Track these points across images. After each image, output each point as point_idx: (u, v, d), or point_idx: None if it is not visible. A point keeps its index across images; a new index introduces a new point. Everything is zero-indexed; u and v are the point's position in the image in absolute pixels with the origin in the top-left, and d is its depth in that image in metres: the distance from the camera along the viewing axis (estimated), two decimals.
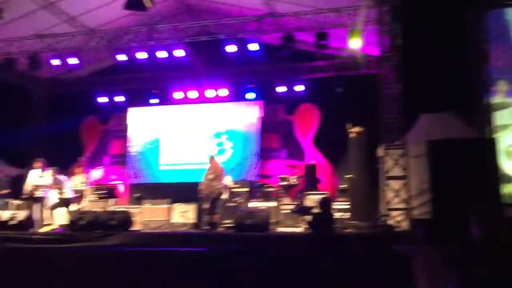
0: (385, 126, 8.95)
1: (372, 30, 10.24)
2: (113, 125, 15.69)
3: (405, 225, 8.21)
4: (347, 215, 10.26)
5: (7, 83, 13.18)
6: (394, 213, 8.52)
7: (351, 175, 10.32)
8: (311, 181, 12.49)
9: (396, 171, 8.56)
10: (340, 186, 11.55)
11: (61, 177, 11.08)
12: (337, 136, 12.39)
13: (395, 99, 9.00)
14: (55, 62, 12.70)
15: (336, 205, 10.92)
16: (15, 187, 11.89)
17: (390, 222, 8.39)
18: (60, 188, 10.81)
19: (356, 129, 9.91)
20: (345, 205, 10.60)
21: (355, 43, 10.53)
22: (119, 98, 15.00)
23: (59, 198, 10.77)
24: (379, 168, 9.73)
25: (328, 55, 12.58)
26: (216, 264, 6.95)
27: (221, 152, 14.13)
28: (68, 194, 11.03)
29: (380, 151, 9.89)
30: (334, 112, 13.04)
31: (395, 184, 8.55)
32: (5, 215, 9.96)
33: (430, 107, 8.94)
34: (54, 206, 10.70)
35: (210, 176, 10.23)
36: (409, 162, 8.45)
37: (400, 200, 8.43)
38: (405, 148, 8.52)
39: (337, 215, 10.64)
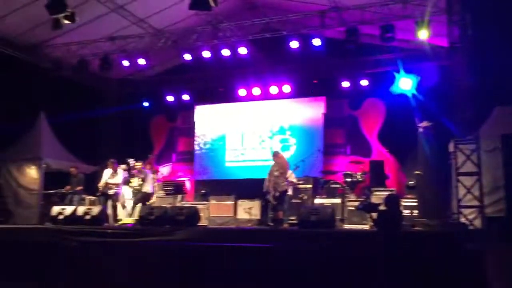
0: (456, 120, 8.60)
1: (440, 21, 9.85)
2: (180, 123, 16.11)
3: (478, 223, 7.85)
4: (416, 212, 9.95)
5: (81, 84, 13.82)
6: (466, 210, 8.18)
7: (419, 171, 9.97)
8: (377, 178, 12.20)
9: (468, 167, 8.20)
10: (408, 182, 11.19)
11: (147, 171, 11.53)
12: (404, 131, 12.06)
13: (467, 92, 8.63)
14: (125, 63, 13.21)
15: (404, 202, 10.65)
16: (90, 184, 12.48)
17: (462, 220, 8.05)
18: (144, 181, 11.21)
19: (425, 123, 9.54)
20: (413, 202, 10.29)
21: (422, 35, 10.17)
22: (186, 97, 15.37)
23: (141, 191, 11.17)
24: (450, 164, 9.37)
25: (394, 48, 12.23)
26: (281, 260, 6.96)
27: (285, 148, 14.13)
28: (149, 188, 11.41)
29: (451, 146, 9.51)
30: (401, 106, 12.66)
31: (467, 181, 8.19)
32: (80, 210, 10.46)
33: (505, 99, 8.49)
34: (138, 200, 11.13)
35: (276, 173, 10.19)
36: (482, 157, 8.07)
37: (472, 197, 8.07)
38: (478, 142, 8.14)
39: (405, 212, 10.38)
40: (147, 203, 11.18)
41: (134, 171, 11.71)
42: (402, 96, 12.59)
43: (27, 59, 12.94)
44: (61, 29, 10.43)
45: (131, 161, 11.93)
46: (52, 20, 10.11)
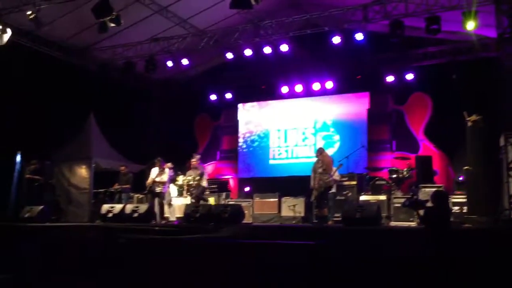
0: (507, 113, 8.28)
1: (488, 11, 9.49)
2: (223, 121, 16.25)
3: None
4: (465, 209, 9.66)
5: (127, 85, 14.17)
6: None
7: (469, 167, 9.66)
8: (425, 174, 11.91)
9: None
10: (457, 178, 10.87)
11: (204, 165, 11.81)
12: (451, 126, 11.70)
13: None
14: (169, 63, 13.45)
15: (453, 198, 10.36)
16: (137, 183, 12.78)
17: None
18: (201, 176, 11.49)
19: (474, 117, 9.22)
20: (463, 198, 10.00)
21: (470, 26, 9.82)
22: (229, 95, 15.50)
23: (200, 186, 11.43)
24: (501, 159, 9.03)
25: (440, 40, 11.89)
26: (325, 258, 6.90)
27: (329, 145, 14.01)
28: (205, 183, 11.69)
29: (502, 140, 9.17)
30: (448, 100, 12.31)
31: None
32: (129, 208, 10.74)
33: None
34: (198, 195, 11.35)
35: (320, 170, 10.11)
36: None
37: None
38: None
39: (454, 209, 10.10)
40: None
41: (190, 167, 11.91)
42: (450, 89, 12.26)
43: (76, 62, 13.36)
44: (107, 32, 10.73)
45: (197, 156, 12.11)
46: (98, 24, 10.40)
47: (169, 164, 12.05)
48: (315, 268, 6.90)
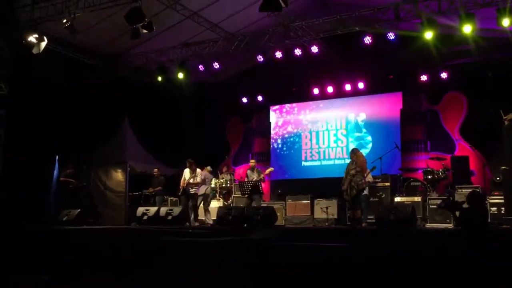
0: None
1: None
2: (255, 123, 16.31)
3: None
4: (503, 210, 9.42)
5: (160, 89, 14.40)
6: None
7: (506, 167, 9.41)
8: (461, 174, 11.69)
9: None
10: (495, 178, 10.61)
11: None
12: (488, 125, 11.44)
13: None
14: (201, 67, 13.60)
15: (491, 199, 10.13)
16: (171, 186, 12.97)
17: None
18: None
19: (511, 115, 9.00)
20: (500, 199, 9.76)
21: (505, 23, 9.57)
22: (260, 98, 15.55)
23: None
24: None
25: (475, 37, 11.62)
26: (358, 260, 6.83)
27: (361, 146, 13.88)
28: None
29: None
30: (483, 99, 12.02)
31: None
32: (163, 211, 10.91)
33: None
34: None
35: (352, 171, 10.00)
36: None
37: None
38: None
39: (492, 210, 9.87)
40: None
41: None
42: (485, 87, 11.98)
43: (110, 68, 13.67)
44: (140, 38, 10.94)
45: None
46: (131, 30, 10.62)
47: (208, 168, 12.18)
48: (347, 270, 6.84)
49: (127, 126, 14.02)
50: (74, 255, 7.55)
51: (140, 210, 11.24)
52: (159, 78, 13.66)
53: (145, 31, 10.54)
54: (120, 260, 7.30)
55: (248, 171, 12.18)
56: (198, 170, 11.75)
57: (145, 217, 10.89)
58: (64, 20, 10.74)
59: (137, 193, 13.27)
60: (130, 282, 6.91)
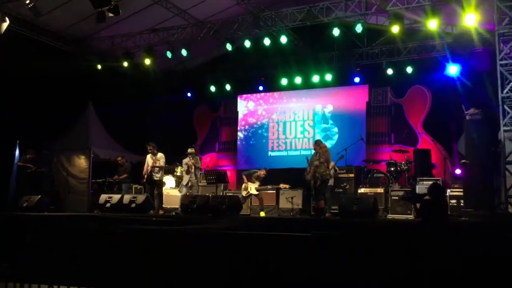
0: (504, 107, 8.27)
1: (489, 4, 9.45)
2: (223, 112, 16.25)
3: None
4: (462, 202, 9.70)
5: (126, 76, 14.16)
6: None
7: (466, 160, 9.68)
8: (423, 167, 11.94)
9: None
10: (455, 171, 10.90)
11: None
12: (451, 119, 11.74)
13: None
14: (168, 54, 13.40)
15: (451, 192, 10.39)
16: (136, 173, 12.80)
17: (510, 210, 7.77)
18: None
19: (472, 110, 9.25)
20: (460, 192, 10.03)
21: (469, 19, 9.78)
22: (228, 87, 15.48)
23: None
24: (499, 153, 9.05)
25: (439, 33, 11.85)
26: (320, 250, 6.91)
27: (327, 137, 14.04)
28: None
29: (500, 134, 9.18)
30: (447, 93, 12.31)
31: None
32: (127, 198, 10.75)
33: None
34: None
35: (316, 162, 10.09)
36: None
37: None
38: None
39: (451, 202, 10.13)
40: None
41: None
42: (448, 83, 12.25)
43: (75, 52, 13.33)
44: (105, 22, 10.69)
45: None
46: (96, 13, 10.36)
47: (190, 150, 11.97)
48: (311, 258, 6.92)
49: (92, 111, 13.73)
50: (34, 241, 7.39)
51: (103, 197, 11.02)
52: (125, 64, 13.41)
53: (111, 14, 10.28)
54: (82, 247, 7.19)
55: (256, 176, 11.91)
56: (160, 154, 11.53)
57: (108, 205, 10.67)
58: (28, 1, 10.40)
59: (101, 180, 13.05)
60: (93, 270, 6.81)
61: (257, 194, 11.58)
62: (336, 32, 11.81)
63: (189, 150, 11.93)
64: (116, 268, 7.45)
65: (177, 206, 11.56)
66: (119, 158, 12.87)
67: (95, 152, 13.17)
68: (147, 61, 13.23)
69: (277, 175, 13.61)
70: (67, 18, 12.18)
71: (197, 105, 16.46)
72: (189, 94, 16.15)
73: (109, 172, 13.20)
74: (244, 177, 11.88)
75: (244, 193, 11.60)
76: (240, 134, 15.62)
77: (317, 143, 10.53)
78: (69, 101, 12.84)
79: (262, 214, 11.41)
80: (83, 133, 13.40)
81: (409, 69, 13.19)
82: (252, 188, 11.57)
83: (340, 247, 6.80)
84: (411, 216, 10.28)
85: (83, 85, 13.08)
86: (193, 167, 11.51)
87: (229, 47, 13.16)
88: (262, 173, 11.88)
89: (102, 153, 13.48)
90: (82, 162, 13.08)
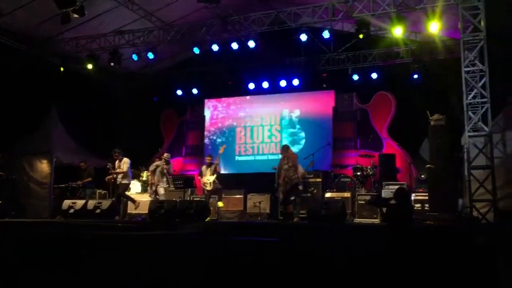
0: (469, 113, 8.49)
1: (452, 13, 9.71)
2: (190, 116, 16.11)
3: (490, 217, 7.77)
4: (427, 206, 9.88)
5: (91, 78, 13.86)
6: (479, 204, 8.08)
7: (431, 165, 9.88)
8: (388, 171, 12.13)
9: (481, 161, 8.10)
10: (419, 176, 11.11)
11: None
12: (415, 125, 11.97)
13: (479, 84, 8.51)
14: (134, 57, 13.19)
15: (416, 196, 10.57)
16: (101, 178, 12.52)
17: (474, 214, 7.97)
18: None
19: (436, 116, 9.45)
20: (424, 196, 10.22)
21: (433, 27, 10.02)
22: (195, 91, 15.36)
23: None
24: (461, 158, 9.28)
25: (404, 40, 12.10)
26: (289, 255, 6.91)
27: (295, 142, 14.10)
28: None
29: (463, 139, 9.42)
30: (411, 99, 12.55)
31: (480, 174, 8.09)
32: (91, 204, 10.51)
33: None
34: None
35: (285, 166, 10.14)
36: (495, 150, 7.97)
37: (485, 191, 7.97)
38: (491, 136, 8.04)
39: (416, 206, 10.31)
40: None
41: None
42: (413, 89, 12.50)
43: (37, 53, 12.96)
44: (70, 23, 10.44)
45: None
46: (61, 14, 10.10)
47: (166, 155, 11.86)
48: (279, 264, 6.90)
49: (55, 115, 13.37)
50: None
51: (66, 203, 10.75)
52: (90, 66, 13.12)
53: (76, 15, 10.05)
54: (46, 255, 6.96)
55: (203, 168, 11.79)
56: (124, 159, 11.36)
57: (72, 211, 10.42)
58: None
59: (64, 185, 12.71)
60: (56, 278, 6.59)
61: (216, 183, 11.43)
62: (303, 37, 11.91)
63: (166, 155, 11.88)
64: (81, 277, 7.25)
65: (143, 212, 11.37)
66: (82, 163, 12.59)
67: (57, 157, 12.84)
68: (112, 64, 12.97)
69: (244, 180, 13.61)
70: (30, 18, 11.81)
71: (164, 109, 16.26)
72: (155, 98, 15.96)
73: (72, 177, 12.88)
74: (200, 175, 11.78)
75: (208, 187, 11.41)
76: (207, 139, 15.51)
77: (284, 148, 10.59)
78: (31, 104, 12.46)
79: (220, 204, 11.39)
80: (46, 137, 13.04)
81: (374, 75, 13.41)
82: (210, 178, 11.41)
83: (310, 252, 6.82)
84: (377, 220, 10.43)
85: (45, 87, 12.71)
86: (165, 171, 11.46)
87: (196, 50, 13.10)
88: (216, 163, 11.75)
89: (65, 158, 13.17)
90: (44, 166, 12.73)
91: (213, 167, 11.43)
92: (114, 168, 11.34)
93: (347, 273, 6.51)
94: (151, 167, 11.70)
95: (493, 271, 5.77)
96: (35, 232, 8.70)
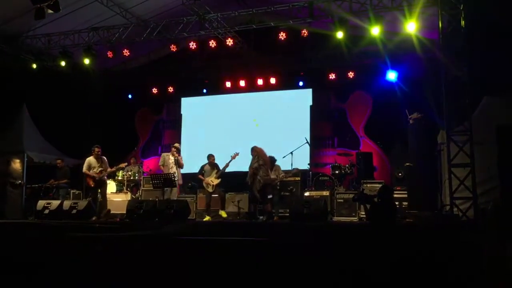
0: (446, 112, 8.61)
1: (430, 11, 9.83)
2: (166, 115, 15.89)
3: (470, 214, 7.89)
4: (405, 204, 9.99)
5: (64, 76, 13.52)
6: (459, 201, 8.20)
7: (410, 163, 9.99)
8: (365, 170, 12.22)
9: (460, 159, 8.22)
10: (397, 174, 11.22)
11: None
12: (390, 124, 12.11)
13: (457, 83, 8.64)
14: (109, 54, 12.91)
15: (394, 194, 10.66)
16: (76, 177, 12.24)
17: (455, 211, 8.08)
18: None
19: (415, 115, 9.57)
20: (402, 194, 10.33)
21: (411, 27, 10.11)
22: (171, 89, 15.17)
23: None
24: (439, 155, 9.41)
25: (381, 39, 12.19)
26: (272, 254, 6.86)
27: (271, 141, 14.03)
28: None
29: (439, 137, 9.56)
30: (387, 98, 12.69)
31: (459, 172, 8.21)
32: (67, 204, 10.23)
33: (495, 90, 8.53)
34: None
35: (255, 165, 10.08)
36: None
37: (465, 188, 8.10)
38: (471, 133, 8.16)
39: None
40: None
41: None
42: (389, 88, 12.63)
43: (8, 50, 12.56)
44: (44, 18, 10.11)
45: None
46: (35, 10, 9.77)
47: (177, 145, 11.51)
48: (260, 262, 6.85)
49: (26, 113, 12.99)
50: None
51: (41, 203, 10.42)
52: (62, 63, 12.79)
53: (50, 11, 9.74)
54: (24, 257, 6.74)
55: (206, 167, 11.48)
56: (104, 158, 11.05)
57: (47, 211, 10.12)
58: None
59: (36, 186, 12.35)
60: (36, 280, 6.39)
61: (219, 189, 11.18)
62: (281, 36, 11.87)
63: (177, 144, 11.58)
64: (60, 278, 7.04)
65: (120, 212, 11.13)
66: (59, 161, 12.25)
67: (29, 156, 12.48)
68: (86, 61, 12.67)
69: (223, 179, 13.45)
70: (0, 13, 11.42)
71: (139, 107, 16.00)
72: (130, 96, 15.69)
73: (44, 176, 12.54)
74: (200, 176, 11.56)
75: (209, 189, 11.23)
76: (184, 137, 15.31)
77: (253, 149, 10.46)
78: (1, 102, 12.08)
79: (223, 214, 11.04)
80: (17, 136, 12.67)
81: (351, 74, 13.49)
82: (214, 180, 11.25)
83: (292, 251, 6.79)
84: (356, 218, 10.49)
85: (16, 85, 12.34)
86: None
87: (173, 48, 12.91)
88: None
89: (37, 157, 12.81)
90: (16, 166, 12.34)
91: (220, 172, 11.20)
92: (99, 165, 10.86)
93: (333, 271, 6.51)
94: (170, 164, 11.23)
95: (475, 267, 5.86)
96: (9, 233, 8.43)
